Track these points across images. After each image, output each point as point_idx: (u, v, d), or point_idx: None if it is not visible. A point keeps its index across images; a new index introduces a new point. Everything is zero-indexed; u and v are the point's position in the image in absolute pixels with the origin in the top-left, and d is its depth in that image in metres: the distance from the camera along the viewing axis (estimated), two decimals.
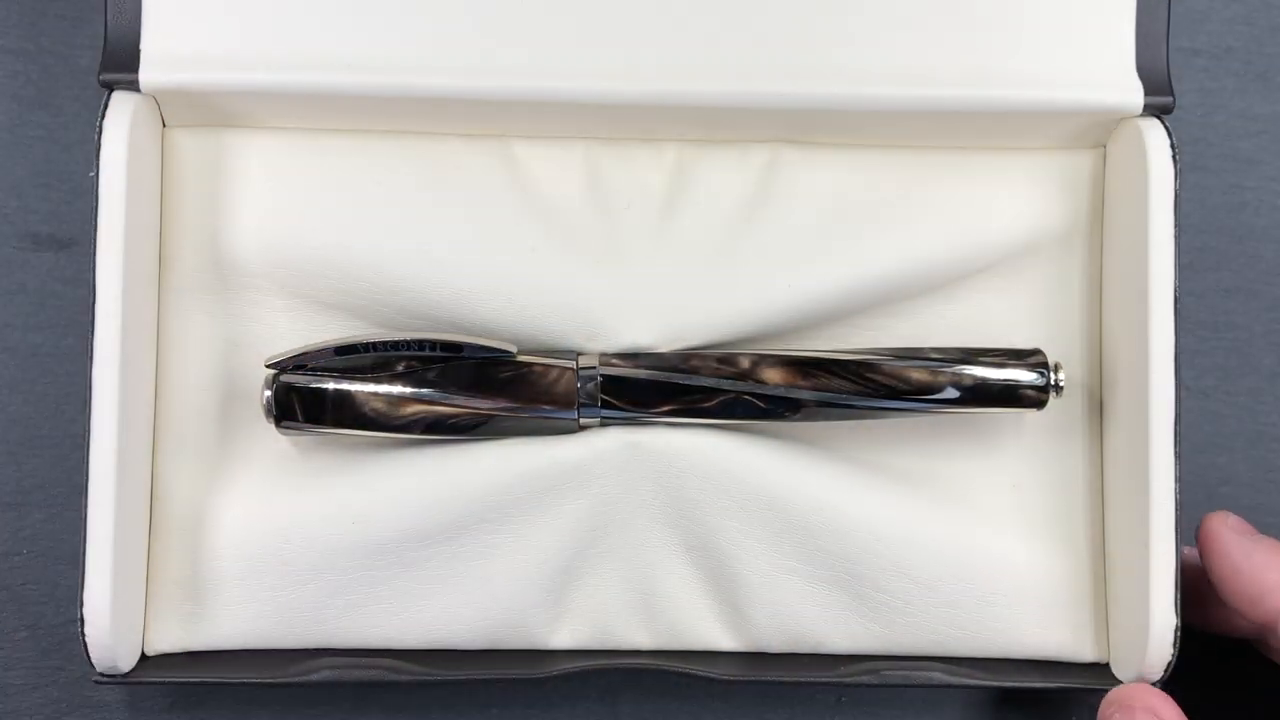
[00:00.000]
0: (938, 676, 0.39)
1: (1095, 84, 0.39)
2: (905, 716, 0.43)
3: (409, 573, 0.40)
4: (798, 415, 0.39)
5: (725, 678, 0.39)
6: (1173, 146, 0.39)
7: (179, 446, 0.40)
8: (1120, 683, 0.39)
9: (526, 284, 0.40)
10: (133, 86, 0.39)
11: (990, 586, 0.40)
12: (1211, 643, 0.41)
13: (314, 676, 0.39)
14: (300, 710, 0.42)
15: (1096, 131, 0.41)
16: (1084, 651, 0.41)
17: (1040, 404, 0.40)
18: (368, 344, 0.38)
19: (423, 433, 0.39)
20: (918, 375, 0.39)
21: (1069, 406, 0.42)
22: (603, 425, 0.40)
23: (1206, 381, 0.45)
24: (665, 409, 0.39)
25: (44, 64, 0.44)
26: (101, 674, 0.38)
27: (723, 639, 0.41)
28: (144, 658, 0.40)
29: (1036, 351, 0.40)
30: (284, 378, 0.39)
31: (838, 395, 0.39)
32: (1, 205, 0.43)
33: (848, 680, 0.39)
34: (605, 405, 0.39)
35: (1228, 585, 0.38)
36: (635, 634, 0.41)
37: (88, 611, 0.37)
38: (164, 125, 0.41)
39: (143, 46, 0.39)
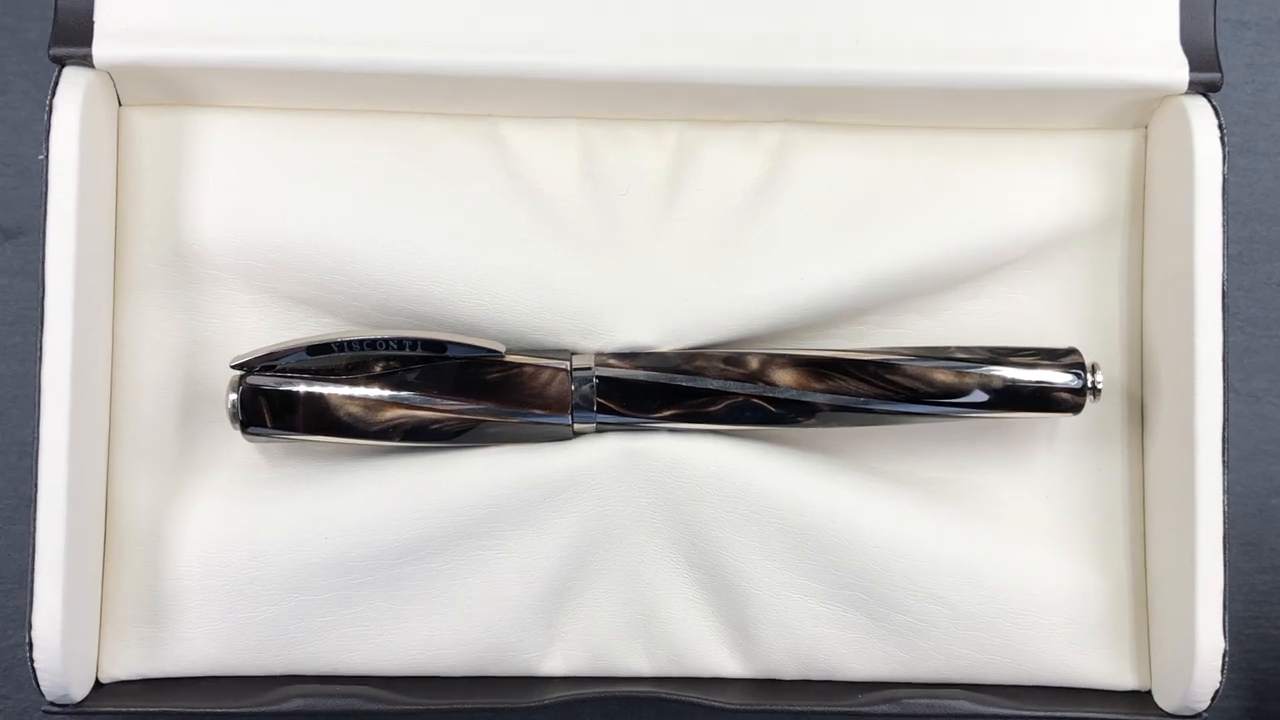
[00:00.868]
0: (964, 706, 0.39)
1: (1136, 59, 0.39)
2: None
3: (387, 592, 0.40)
4: (811, 420, 0.39)
5: (732, 707, 0.39)
6: (1220, 127, 0.39)
7: (136, 454, 0.40)
8: (1163, 713, 0.39)
9: (515, 277, 0.40)
10: (85, 62, 0.39)
11: (1021, 607, 0.40)
12: (1262, 670, 0.42)
13: (284, 706, 0.38)
14: None
15: (1137, 111, 0.41)
16: (1124, 678, 0.41)
17: (1076, 408, 0.40)
18: (342, 343, 0.38)
19: (402, 440, 0.39)
20: (942, 377, 0.39)
21: (1107, 411, 0.42)
22: (599, 431, 0.40)
23: (1257, 384, 0.45)
24: (667, 413, 0.39)
25: None
26: (52, 703, 0.38)
27: (729, 664, 0.41)
28: (98, 685, 0.40)
29: (1072, 351, 0.40)
30: (250, 379, 0.39)
31: (855, 399, 0.39)
32: None
33: (866, 710, 0.39)
34: (601, 409, 0.39)
35: None
36: (634, 659, 0.41)
37: (37, 635, 0.37)
38: (119, 104, 0.41)
39: (96, 18, 0.39)
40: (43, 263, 0.37)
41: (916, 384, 0.39)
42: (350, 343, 0.38)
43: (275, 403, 0.39)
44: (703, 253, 0.40)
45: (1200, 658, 0.38)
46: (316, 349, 0.38)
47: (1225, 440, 0.38)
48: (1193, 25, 0.39)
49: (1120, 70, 0.39)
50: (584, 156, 0.41)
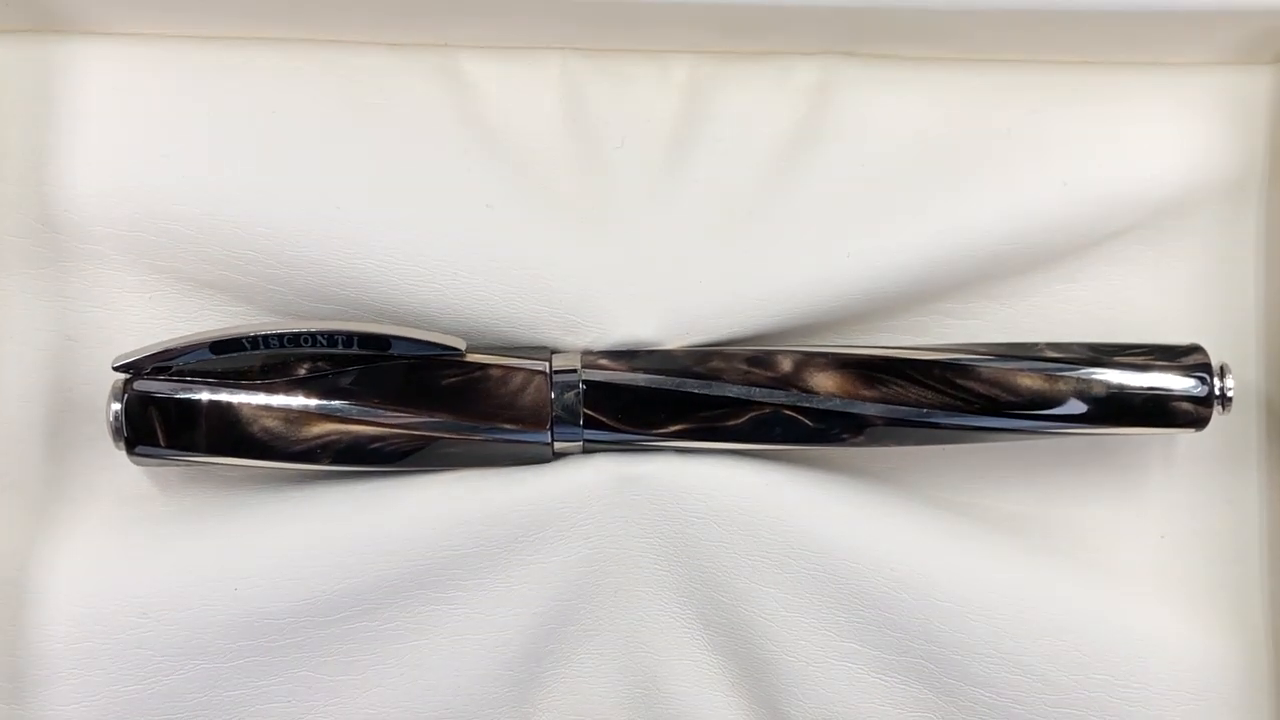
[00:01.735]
0: None
1: None
2: None
3: (313, 659, 0.39)
4: (859, 438, 0.38)
5: None
6: None
7: None
8: None
9: (480, 254, 0.39)
10: None
11: (1131, 677, 0.39)
12: None
13: None
14: None
15: (1278, 40, 0.40)
16: None
17: (1200, 422, 0.38)
18: (256, 338, 0.38)
19: (333, 463, 0.38)
20: (1028, 382, 0.38)
21: (1239, 425, 0.41)
22: (586, 451, 0.39)
23: None
24: (673, 429, 0.38)
25: None
26: None
27: None
28: None
29: (1195, 349, 0.39)
30: (139, 385, 0.38)
31: (915, 410, 0.38)
32: None
33: None
34: (589, 423, 0.38)
35: None
36: None
37: None
38: None
39: None
40: None
41: (995, 391, 0.38)
42: (267, 338, 0.38)
43: (170, 415, 0.38)
44: (720, 223, 0.40)
45: None
46: (223, 346, 0.38)
47: None
48: None
49: None
50: (568, 98, 0.41)
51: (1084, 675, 0.39)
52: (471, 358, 0.38)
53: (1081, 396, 0.38)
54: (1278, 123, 0.41)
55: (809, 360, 0.38)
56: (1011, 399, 0.38)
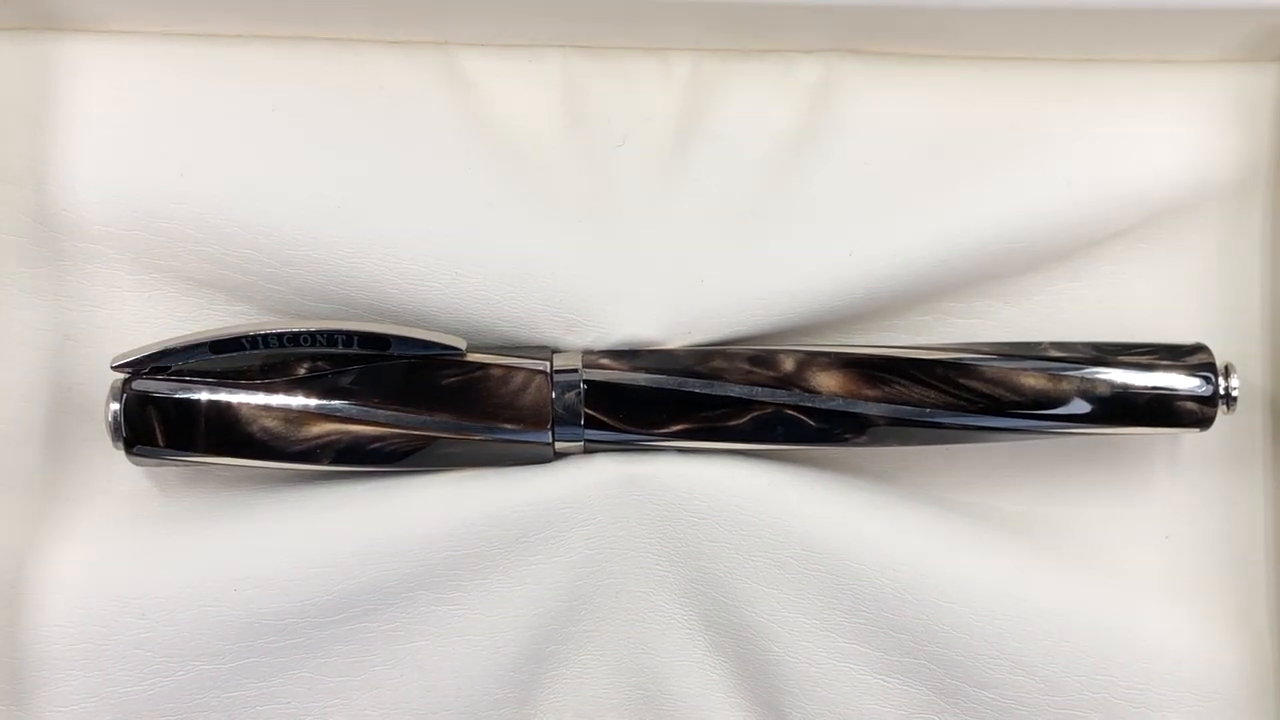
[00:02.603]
0: None
1: None
2: None
3: (317, 660, 0.39)
4: (862, 438, 0.38)
5: None
6: None
7: None
8: None
9: (480, 253, 0.39)
10: None
11: (1135, 678, 0.39)
12: None
13: None
14: None
15: None
16: None
17: (1204, 422, 0.38)
18: (255, 337, 0.38)
19: (333, 463, 0.38)
20: (1031, 382, 0.38)
21: (1244, 425, 0.41)
22: (587, 452, 0.39)
23: None
24: (674, 429, 0.38)
25: None
26: None
27: None
28: None
29: (1199, 348, 0.39)
30: (137, 385, 0.38)
31: (919, 410, 0.38)
32: None
33: None
34: (591, 423, 0.38)
35: None
36: None
37: None
38: None
39: None
40: None
41: (998, 391, 0.38)
42: (266, 337, 0.38)
43: (169, 415, 0.38)
44: (722, 222, 0.40)
45: None
46: (222, 345, 0.38)
47: None
48: None
49: None
50: (569, 97, 0.41)
51: (1088, 676, 0.39)
52: (472, 357, 0.38)
53: (1085, 396, 0.38)
54: None
55: (811, 360, 0.38)
56: (1015, 398, 0.38)
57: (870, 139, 0.40)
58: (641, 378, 0.38)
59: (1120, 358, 0.38)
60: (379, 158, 0.39)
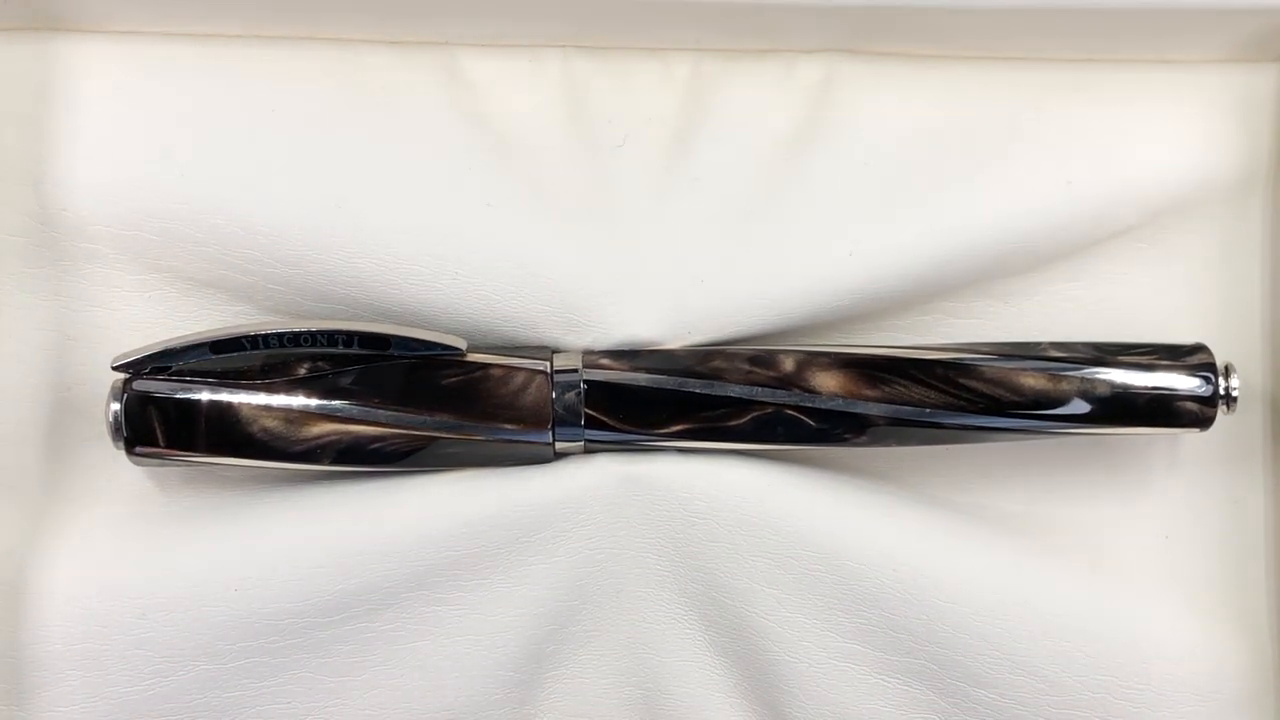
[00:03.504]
0: None
1: None
2: None
3: (315, 660, 0.39)
4: (862, 438, 0.38)
5: None
6: None
7: None
8: None
9: (481, 253, 0.39)
10: None
11: (1135, 678, 0.39)
12: None
13: None
14: None
15: None
16: None
17: (1204, 422, 0.38)
18: (256, 337, 0.38)
19: (333, 463, 0.38)
20: (1032, 382, 0.38)
21: (1244, 425, 0.41)
22: (587, 451, 0.39)
23: None
24: (674, 429, 0.38)
25: None
26: None
27: None
28: None
29: (1199, 348, 0.39)
30: (138, 385, 0.38)
31: (919, 410, 0.38)
32: None
33: None
34: (591, 423, 0.38)
35: None
36: None
37: None
38: None
39: None
40: None
41: (998, 391, 0.38)
42: (267, 337, 0.38)
43: (170, 415, 0.38)
44: (722, 222, 0.40)
45: None
46: (223, 346, 0.38)
47: None
48: None
49: None
50: (569, 97, 0.41)
51: (1088, 676, 0.39)
52: (472, 357, 0.38)
53: (1085, 396, 0.38)
54: None
55: (811, 360, 0.38)
56: (1015, 399, 0.38)
57: (870, 139, 0.40)
58: (641, 378, 0.38)
59: (1120, 358, 0.38)
60: (379, 158, 0.39)
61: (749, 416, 0.38)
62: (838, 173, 0.40)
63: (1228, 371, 0.38)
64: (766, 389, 0.38)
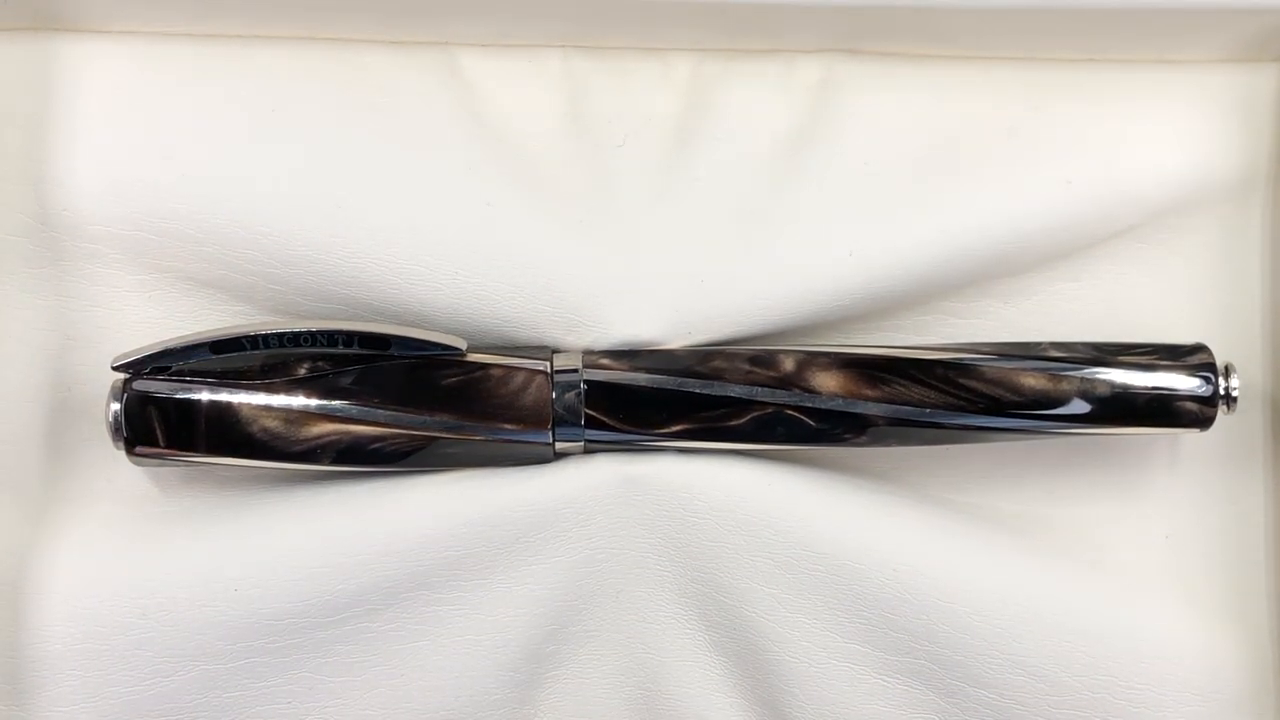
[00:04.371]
0: None
1: None
2: None
3: (315, 660, 0.39)
4: (862, 438, 0.38)
5: None
6: None
7: None
8: None
9: (480, 253, 0.39)
10: None
11: (1135, 677, 0.39)
12: None
13: None
14: None
15: None
16: None
17: (1204, 422, 0.39)
18: (256, 337, 0.38)
19: (333, 463, 0.38)
20: (1031, 382, 0.38)
21: (1244, 425, 0.41)
22: (587, 452, 0.39)
23: None
24: (675, 429, 0.38)
25: None
26: None
27: None
28: None
29: (1199, 348, 0.39)
30: (138, 385, 0.38)
31: (918, 410, 0.38)
32: None
33: None
34: (591, 423, 0.38)
35: None
36: None
37: None
38: None
39: None
40: None
41: (998, 391, 0.38)
42: (267, 337, 0.38)
43: (170, 415, 0.38)
44: (722, 222, 0.40)
45: None
46: (223, 346, 0.38)
47: None
48: None
49: None
50: (569, 97, 0.41)
51: (1088, 676, 0.39)
52: (472, 357, 0.38)
53: (1085, 396, 0.38)
54: None
55: (811, 360, 0.38)
56: (1015, 399, 0.38)
57: (870, 139, 0.40)
58: (641, 378, 0.38)
59: (1120, 358, 0.38)
60: (379, 158, 0.39)
61: (749, 416, 0.38)
62: (838, 173, 0.40)
63: (1228, 371, 0.38)
64: (766, 389, 0.38)
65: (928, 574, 0.39)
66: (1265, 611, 0.40)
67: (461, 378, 0.38)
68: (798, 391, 0.38)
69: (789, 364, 0.38)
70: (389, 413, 0.38)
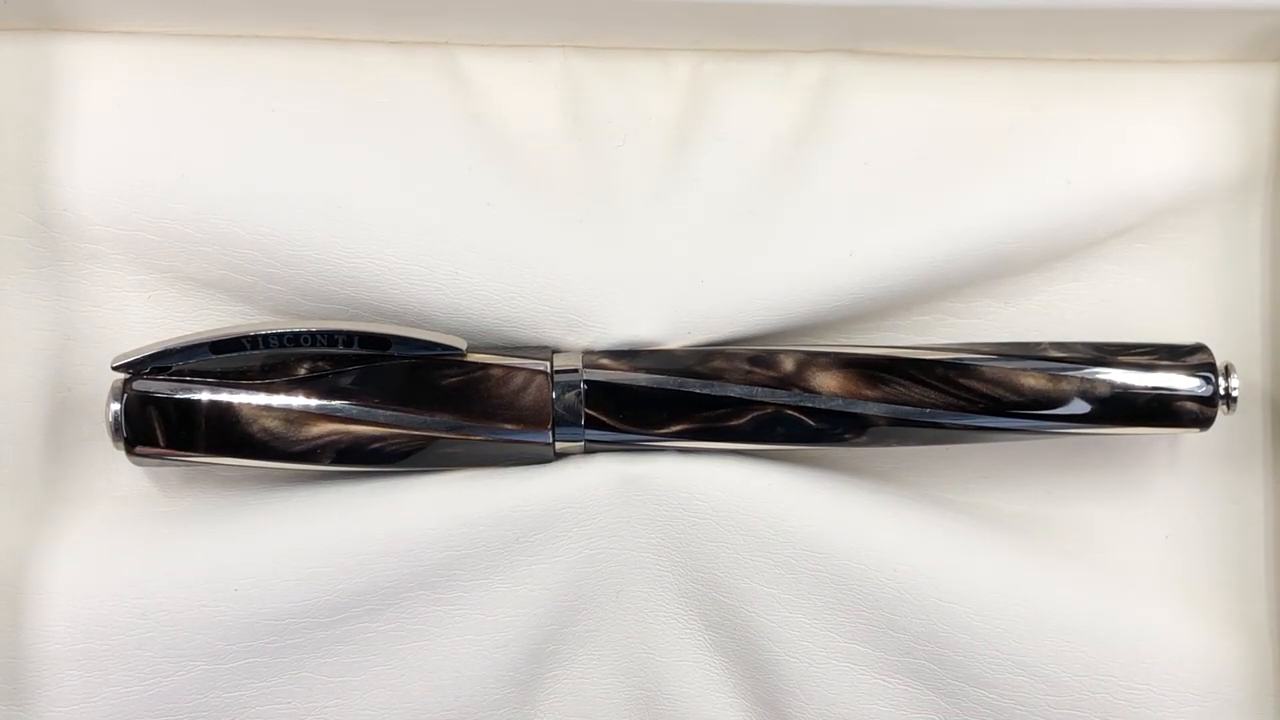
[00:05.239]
0: None
1: None
2: None
3: (315, 660, 0.39)
4: (862, 438, 0.38)
5: None
6: None
7: None
8: None
9: (481, 253, 0.39)
10: None
11: (1135, 678, 0.39)
12: None
13: None
14: None
15: None
16: None
17: (1204, 422, 0.39)
18: (256, 337, 0.38)
19: (333, 463, 0.38)
20: (1032, 382, 0.38)
21: (1244, 425, 0.41)
22: (587, 452, 0.39)
23: None
24: (675, 429, 0.38)
25: None
26: None
27: None
28: None
29: (1199, 348, 0.39)
30: (138, 385, 0.38)
31: (919, 410, 0.38)
32: None
33: None
34: (591, 423, 0.38)
35: None
36: None
37: None
38: None
39: None
40: None
41: (998, 391, 0.38)
42: (267, 337, 0.38)
43: (170, 415, 0.38)
44: (722, 222, 0.40)
45: None
46: (223, 345, 0.38)
47: None
48: None
49: None
50: (569, 97, 0.41)
51: (1088, 676, 0.39)
52: (472, 357, 0.38)
53: (1085, 396, 0.38)
54: None
55: (811, 360, 0.38)
56: (1015, 399, 0.38)
57: (870, 139, 0.40)
58: (642, 378, 0.38)
59: (1120, 358, 0.38)
60: (379, 158, 0.39)
61: (749, 416, 0.38)
62: (838, 173, 0.40)
63: (1228, 371, 0.38)
64: (766, 389, 0.38)
65: (928, 574, 0.39)
66: (1265, 611, 0.40)
67: (461, 378, 0.38)
68: (798, 391, 0.38)
69: (789, 364, 0.38)
70: (389, 413, 0.38)
